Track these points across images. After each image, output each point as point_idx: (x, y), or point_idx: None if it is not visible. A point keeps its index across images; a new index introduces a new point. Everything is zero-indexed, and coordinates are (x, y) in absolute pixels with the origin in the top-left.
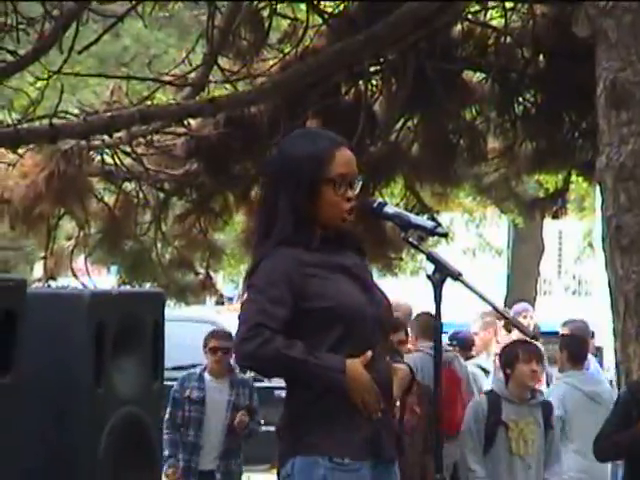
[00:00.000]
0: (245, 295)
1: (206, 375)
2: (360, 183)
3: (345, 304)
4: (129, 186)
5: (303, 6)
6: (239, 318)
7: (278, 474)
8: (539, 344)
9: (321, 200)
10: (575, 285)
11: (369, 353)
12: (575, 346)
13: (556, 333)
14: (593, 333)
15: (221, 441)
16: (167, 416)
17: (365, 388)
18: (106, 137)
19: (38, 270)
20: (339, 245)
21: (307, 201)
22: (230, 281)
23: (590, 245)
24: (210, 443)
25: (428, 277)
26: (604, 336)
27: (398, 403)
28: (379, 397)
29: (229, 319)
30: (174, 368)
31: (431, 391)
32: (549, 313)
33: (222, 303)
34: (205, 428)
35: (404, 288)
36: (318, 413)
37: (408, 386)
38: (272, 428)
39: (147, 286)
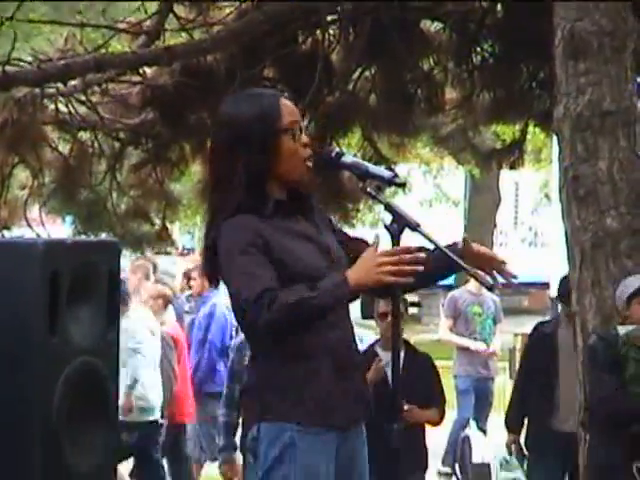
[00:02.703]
0: (222, 271)
1: None
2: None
3: (306, 269)
4: (84, 135)
5: None
6: (233, 296)
7: (242, 437)
8: (494, 295)
9: (281, 152)
10: (531, 236)
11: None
12: None
13: (512, 284)
14: (548, 284)
15: None
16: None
17: (374, 270)
18: (60, 85)
19: None
20: (292, 210)
21: (264, 160)
22: (186, 232)
23: (546, 196)
24: None
25: (386, 227)
26: None
27: None
28: (397, 259)
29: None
30: None
31: None
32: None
33: (186, 254)
34: None
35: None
36: (286, 380)
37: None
38: None
39: (103, 236)
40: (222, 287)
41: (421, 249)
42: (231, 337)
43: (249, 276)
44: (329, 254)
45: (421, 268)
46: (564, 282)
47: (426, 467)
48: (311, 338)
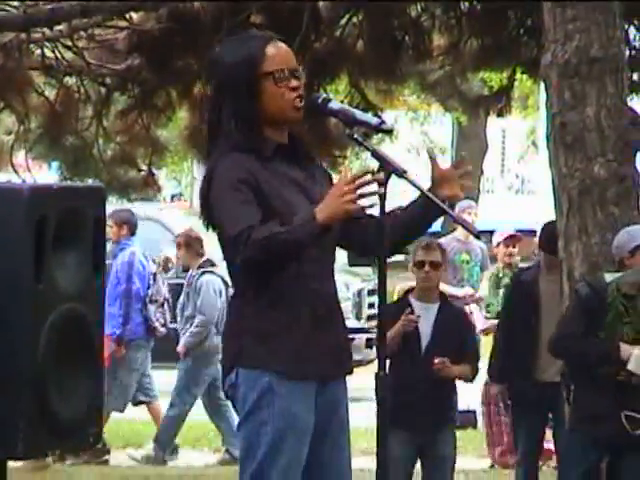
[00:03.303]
0: (212, 207)
1: None
2: (304, 74)
3: (288, 220)
4: (70, 80)
5: None
6: (219, 232)
7: (222, 382)
8: (481, 242)
9: (265, 96)
10: (518, 184)
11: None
12: None
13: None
14: (535, 232)
15: None
16: None
17: (338, 201)
18: (46, 30)
19: None
20: (290, 157)
21: (250, 102)
22: (173, 178)
23: (533, 144)
24: None
25: (372, 174)
26: None
27: None
28: (356, 184)
29: (173, 217)
30: None
31: None
32: (492, 211)
33: (172, 200)
34: None
35: None
36: (264, 326)
37: None
38: None
39: (89, 182)
40: (138, 235)
41: (395, 210)
42: (148, 287)
43: (234, 214)
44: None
45: (381, 190)
46: (546, 229)
47: (453, 422)
48: (291, 286)
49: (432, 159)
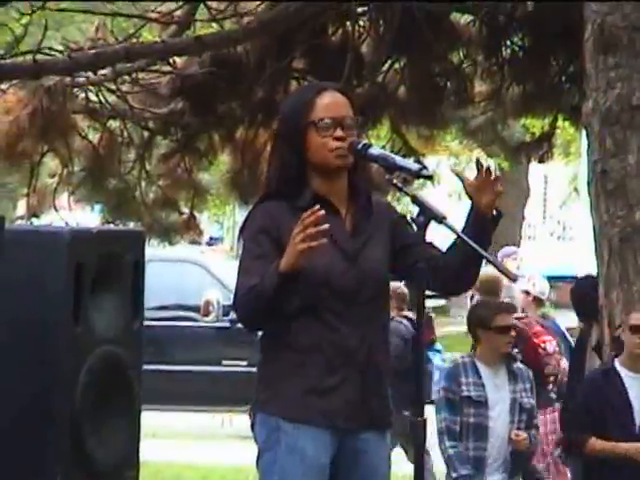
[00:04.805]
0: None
1: (479, 364)
2: (357, 121)
3: (314, 270)
4: (113, 124)
5: None
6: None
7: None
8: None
9: (309, 145)
10: (560, 230)
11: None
12: None
13: None
14: (577, 278)
15: (506, 452)
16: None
17: (291, 246)
18: (90, 74)
19: (21, 208)
20: (329, 206)
21: (293, 151)
22: (215, 222)
23: (575, 190)
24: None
25: (412, 220)
26: None
27: None
28: (302, 225)
29: (213, 260)
30: (157, 308)
31: None
32: (533, 258)
33: (211, 244)
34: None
35: None
36: (271, 374)
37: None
38: (254, 369)
39: (131, 225)
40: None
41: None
42: None
43: (245, 270)
44: (354, 260)
45: (326, 226)
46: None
47: None
48: (303, 336)
49: (458, 176)
